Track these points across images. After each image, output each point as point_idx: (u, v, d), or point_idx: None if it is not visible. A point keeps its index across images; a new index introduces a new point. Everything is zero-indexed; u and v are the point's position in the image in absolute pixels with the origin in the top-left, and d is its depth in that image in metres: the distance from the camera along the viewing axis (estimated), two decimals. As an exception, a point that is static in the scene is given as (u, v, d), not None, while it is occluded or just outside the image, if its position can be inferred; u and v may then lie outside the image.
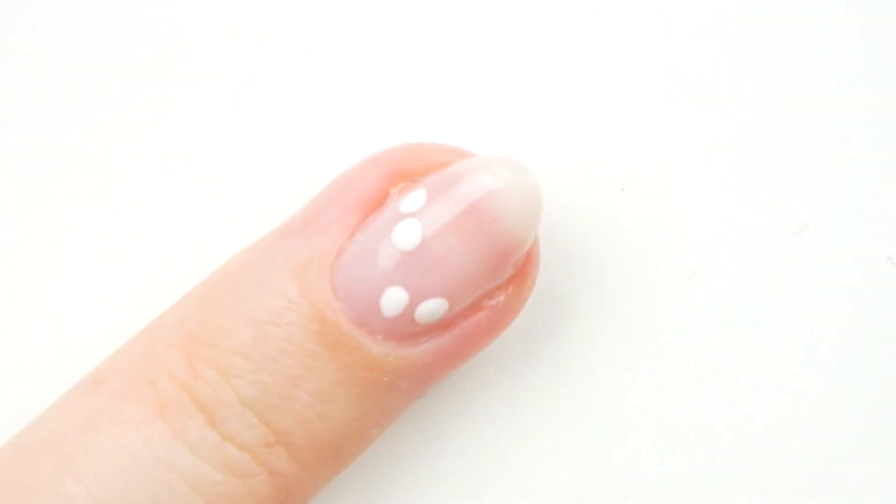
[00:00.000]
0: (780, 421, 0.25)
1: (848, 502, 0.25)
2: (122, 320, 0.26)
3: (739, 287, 0.26)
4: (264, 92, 0.26)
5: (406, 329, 0.23)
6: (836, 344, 0.25)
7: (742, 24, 0.26)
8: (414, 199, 0.23)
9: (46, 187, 0.26)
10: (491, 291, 0.23)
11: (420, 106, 0.26)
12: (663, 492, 0.25)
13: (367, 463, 0.25)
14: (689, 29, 0.26)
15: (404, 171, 0.23)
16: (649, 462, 0.25)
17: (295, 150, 0.26)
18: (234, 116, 0.26)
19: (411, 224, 0.23)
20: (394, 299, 0.23)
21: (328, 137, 0.26)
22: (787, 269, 0.26)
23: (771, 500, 0.25)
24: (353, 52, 0.26)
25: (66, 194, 0.26)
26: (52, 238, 0.26)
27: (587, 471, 0.25)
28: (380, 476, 0.26)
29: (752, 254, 0.26)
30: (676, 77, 0.26)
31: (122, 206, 0.26)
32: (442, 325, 0.23)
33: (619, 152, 0.26)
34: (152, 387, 0.23)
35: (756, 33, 0.26)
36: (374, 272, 0.23)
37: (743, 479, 0.25)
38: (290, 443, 0.23)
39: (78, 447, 0.22)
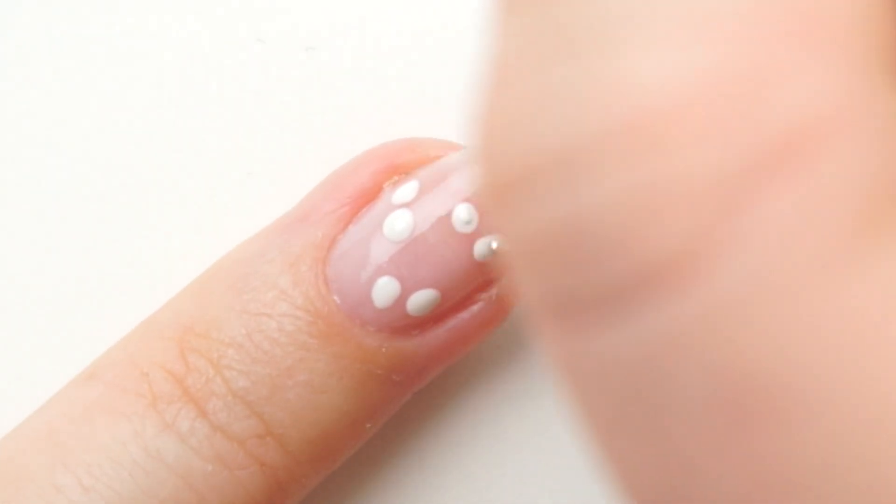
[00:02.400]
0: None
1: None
2: (120, 319, 0.26)
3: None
4: (264, 92, 0.26)
5: (398, 321, 0.23)
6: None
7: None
8: (406, 190, 0.23)
9: (46, 187, 0.26)
10: (485, 284, 0.23)
11: (420, 106, 0.26)
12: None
13: (361, 459, 0.25)
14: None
15: (398, 164, 0.24)
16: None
17: (295, 150, 0.26)
18: (234, 116, 0.26)
19: (403, 215, 0.23)
20: (385, 290, 0.23)
21: (328, 137, 0.26)
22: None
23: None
24: (353, 52, 0.26)
25: (66, 194, 0.26)
26: (53, 238, 0.26)
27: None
28: (373, 472, 0.26)
29: None
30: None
31: (122, 207, 0.26)
32: (435, 317, 0.23)
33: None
34: (145, 378, 0.23)
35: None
36: (366, 263, 0.23)
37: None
38: (282, 435, 0.23)
39: (70, 438, 0.23)
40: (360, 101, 0.26)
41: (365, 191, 0.23)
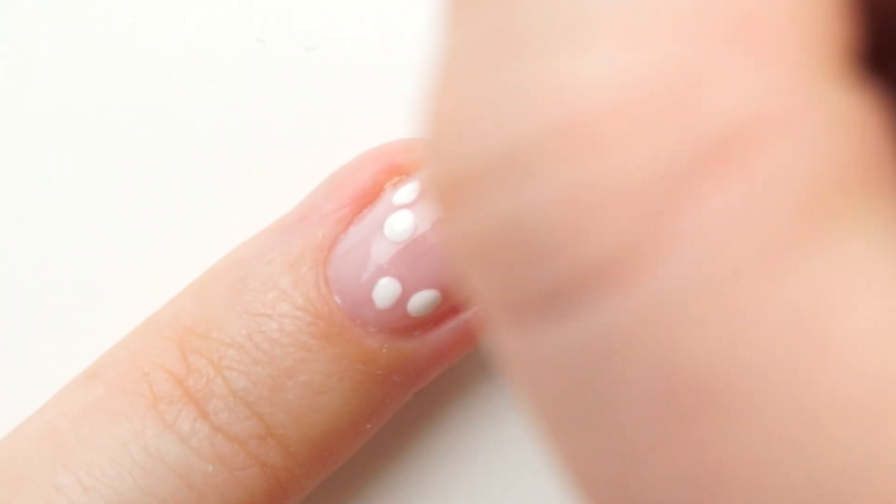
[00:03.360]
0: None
1: None
2: (121, 319, 0.26)
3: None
4: (264, 92, 0.26)
5: (399, 321, 0.23)
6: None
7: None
8: (407, 191, 0.23)
9: (46, 186, 0.26)
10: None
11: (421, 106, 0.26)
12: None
13: (361, 459, 0.25)
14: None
15: (399, 165, 0.24)
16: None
17: (295, 150, 0.26)
18: (234, 116, 0.26)
19: (404, 215, 0.23)
20: (386, 291, 0.23)
21: (328, 137, 0.26)
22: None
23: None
24: (353, 52, 0.26)
25: (66, 194, 0.26)
26: (53, 238, 0.26)
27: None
28: (373, 472, 0.26)
29: None
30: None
31: (122, 206, 0.26)
32: (436, 318, 0.23)
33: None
34: (146, 378, 0.23)
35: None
36: (367, 264, 0.23)
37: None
38: (283, 435, 0.23)
39: (71, 438, 0.23)
40: (360, 101, 0.26)
41: (365, 191, 0.23)
